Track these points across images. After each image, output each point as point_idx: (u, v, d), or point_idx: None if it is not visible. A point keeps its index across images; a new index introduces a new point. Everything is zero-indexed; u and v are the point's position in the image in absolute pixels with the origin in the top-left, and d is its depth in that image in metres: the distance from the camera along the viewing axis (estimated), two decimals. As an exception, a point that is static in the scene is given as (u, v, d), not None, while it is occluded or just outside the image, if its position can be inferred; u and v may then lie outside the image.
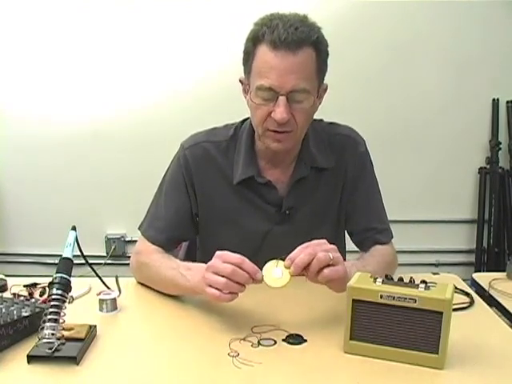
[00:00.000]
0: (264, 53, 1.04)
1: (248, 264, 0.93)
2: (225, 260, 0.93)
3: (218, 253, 0.96)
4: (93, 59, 2.56)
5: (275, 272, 0.92)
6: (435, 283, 0.88)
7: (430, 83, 2.61)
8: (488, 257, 2.73)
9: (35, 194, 2.69)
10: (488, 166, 2.68)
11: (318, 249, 0.93)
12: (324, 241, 0.96)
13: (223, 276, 0.92)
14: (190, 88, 2.58)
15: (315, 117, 1.17)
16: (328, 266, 0.92)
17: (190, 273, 1.05)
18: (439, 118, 2.64)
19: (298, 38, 1.02)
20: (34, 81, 2.59)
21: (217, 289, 0.92)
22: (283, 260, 0.93)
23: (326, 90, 1.15)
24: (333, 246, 0.96)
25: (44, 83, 2.59)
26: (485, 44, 2.57)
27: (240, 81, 1.15)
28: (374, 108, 2.61)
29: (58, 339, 0.87)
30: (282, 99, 1.04)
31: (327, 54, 1.10)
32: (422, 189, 2.70)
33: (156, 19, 2.52)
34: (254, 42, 1.06)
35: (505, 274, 1.29)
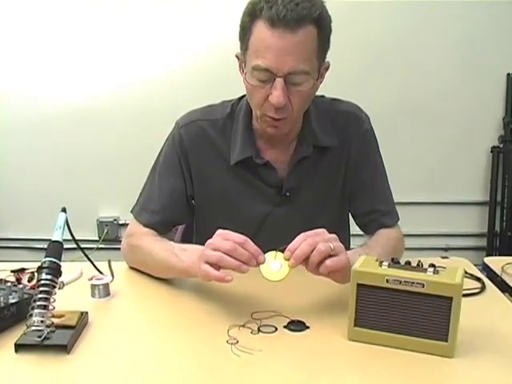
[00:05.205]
0: (261, 30, 0.99)
1: (251, 245, 0.90)
2: (226, 238, 0.91)
3: (219, 231, 0.93)
4: (82, 40, 2.51)
5: (274, 264, 0.90)
6: (444, 267, 0.86)
7: (442, 59, 2.56)
8: (500, 241, 2.70)
9: (23, 175, 2.66)
10: (501, 145, 2.63)
11: (318, 239, 0.90)
12: (323, 230, 0.93)
13: (221, 251, 0.89)
14: (185, 65, 2.54)
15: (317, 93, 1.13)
16: (330, 256, 0.90)
17: (185, 253, 1.03)
18: (451, 95, 2.59)
19: (298, 15, 0.96)
20: (20, 60, 2.54)
21: (211, 266, 0.89)
22: (282, 252, 0.91)
23: (327, 68, 1.10)
24: (333, 236, 0.93)
25: (32, 63, 2.54)
26: (498, 18, 2.51)
27: (236, 56, 1.10)
28: (386, 85, 2.57)
29: (48, 327, 0.85)
30: (279, 81, 0.99)
31: (330, 30, 1.04)
32: (432, 169, 2.66)
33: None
34: (251, 16, 1.01)
35: (518, 257, 1.26)
